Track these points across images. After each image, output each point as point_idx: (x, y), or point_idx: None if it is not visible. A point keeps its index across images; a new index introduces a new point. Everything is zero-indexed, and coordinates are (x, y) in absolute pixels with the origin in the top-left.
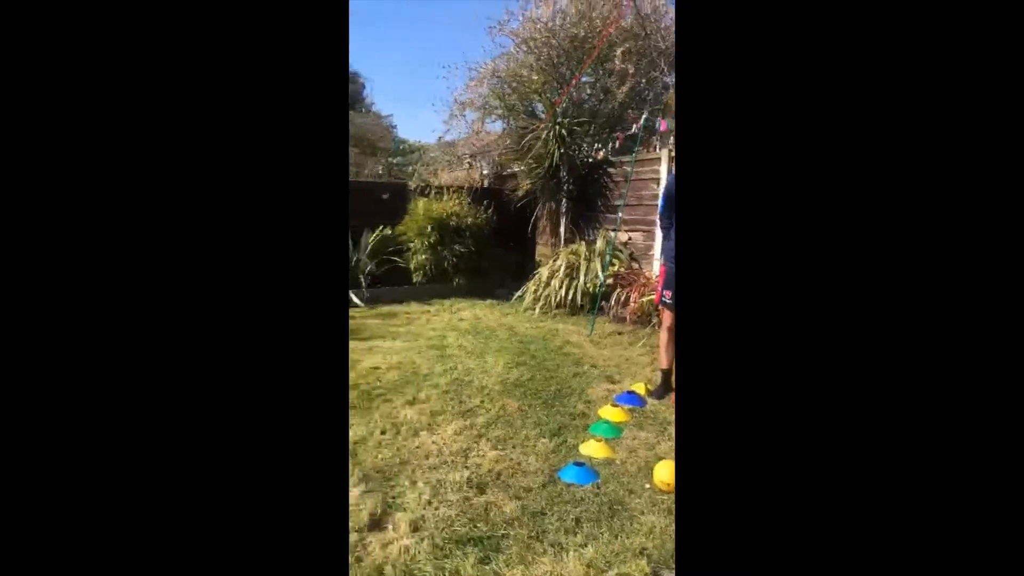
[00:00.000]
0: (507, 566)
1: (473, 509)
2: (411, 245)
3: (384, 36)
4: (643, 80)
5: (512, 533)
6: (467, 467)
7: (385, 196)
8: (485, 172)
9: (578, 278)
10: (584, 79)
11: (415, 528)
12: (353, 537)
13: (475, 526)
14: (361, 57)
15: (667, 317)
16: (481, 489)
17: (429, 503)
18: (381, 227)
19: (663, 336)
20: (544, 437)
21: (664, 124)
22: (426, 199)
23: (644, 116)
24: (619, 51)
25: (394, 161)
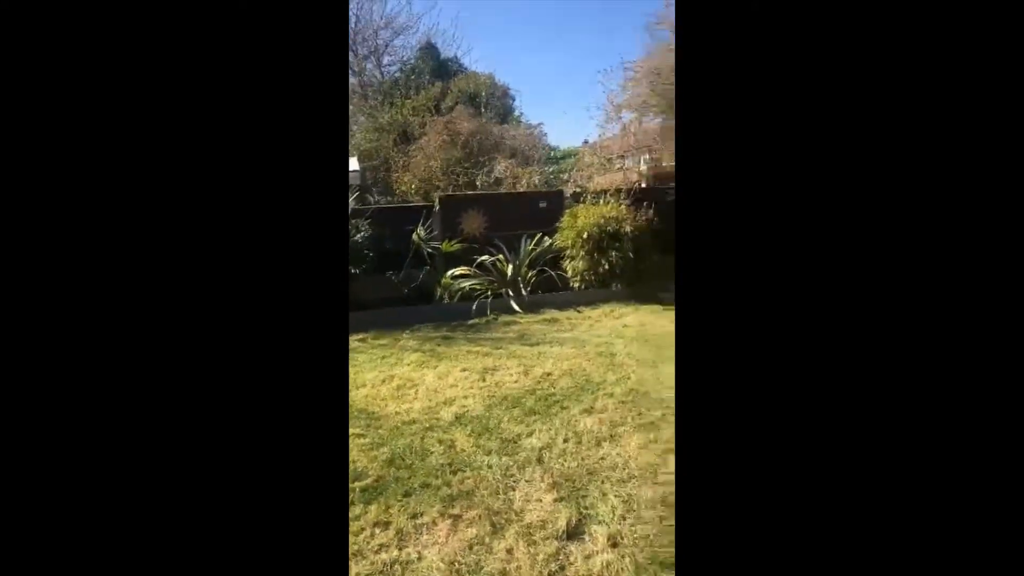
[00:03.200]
0: None
1: (671, 531)
2: (569, 252)
3: (528, 46)
4: None
5: None
6: (658, 484)
7: (543, 204)
8: (643, 170)
9: None
10: None
11: (614, 543)
12: (553, 545)
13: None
14: (507, 69)
15: None
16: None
17: (623, 518)
18: (539, 235)
19: None
20: None
21: None
22: (583, 205)
23: None
24: None
25: (549, 169)
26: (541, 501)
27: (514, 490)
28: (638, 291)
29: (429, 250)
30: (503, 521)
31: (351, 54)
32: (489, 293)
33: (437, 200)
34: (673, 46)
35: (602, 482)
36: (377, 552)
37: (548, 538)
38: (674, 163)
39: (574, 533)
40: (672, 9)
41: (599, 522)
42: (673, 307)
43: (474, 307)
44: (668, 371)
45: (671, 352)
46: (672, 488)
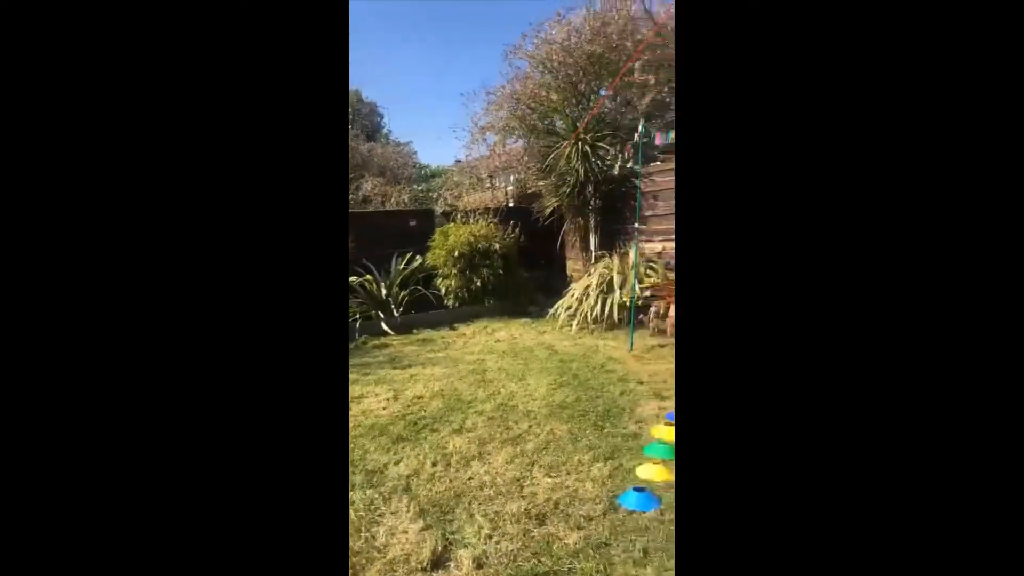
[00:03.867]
0: None
1: (535, 542)
2: (441, 270)
3: (397, 68)
4: (665, 89)
5: (578, 567)
6: (523, 497)
7: (412, 223)
8: (509, 190)
9: (613, 292)
10: (603, 92)
11: (479, 565)
12: None
13: (539, 560)
14: (376, 90)
15: None
16: (541, 520)
17: (490, 537)
18: (410, 254)
19: None
20: (598, 461)
21: (659, 137)
22: (454, 224)
23: (640, 127)
24: (637, 64)
25: (419, 188)
26: (407, 532)
27: (378, 525)
28: (508, 306)
29: None
30: (364, 561)
31: None
32: (358, 316)
33: None
34: (527, 75)
35: (469, 503)
36: None
37: (412, 572)
38: (536, 184)
39: (439, 561)
40: (528, 40)
41: (465, 545)
42: (539, 320)
43: None
44: (534, 383)
45: (538, 364)
46: (533, 500)
